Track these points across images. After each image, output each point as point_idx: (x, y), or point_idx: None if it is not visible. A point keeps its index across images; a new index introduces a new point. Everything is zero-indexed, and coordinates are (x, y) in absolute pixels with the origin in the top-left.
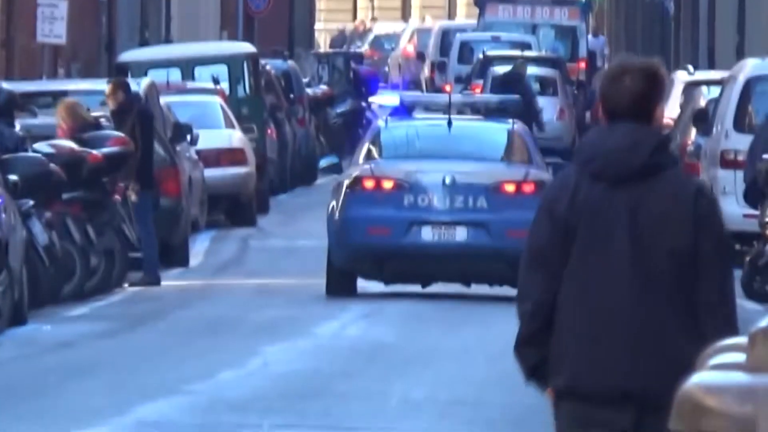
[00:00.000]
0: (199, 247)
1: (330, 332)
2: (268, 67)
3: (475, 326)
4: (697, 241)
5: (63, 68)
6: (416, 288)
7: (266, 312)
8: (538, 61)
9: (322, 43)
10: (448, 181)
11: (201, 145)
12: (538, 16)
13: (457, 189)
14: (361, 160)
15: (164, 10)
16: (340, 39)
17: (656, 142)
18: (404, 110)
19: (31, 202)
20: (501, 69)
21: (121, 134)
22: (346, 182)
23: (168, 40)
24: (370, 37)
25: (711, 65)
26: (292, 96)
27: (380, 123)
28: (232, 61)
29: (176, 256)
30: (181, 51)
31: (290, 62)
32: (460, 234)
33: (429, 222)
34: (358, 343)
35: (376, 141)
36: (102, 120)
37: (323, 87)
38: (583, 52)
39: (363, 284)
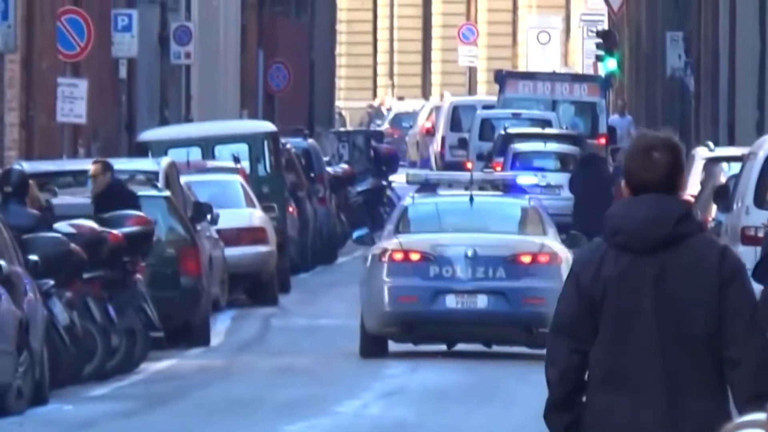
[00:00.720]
0: (220, 327)
1: (352, 411)
2: (288, 146)
3: (497, 405)
4: (723, 301)
5: (83, 147)
6: (443, 347)
7: (287, 391)
8: (558, 138)
9: (348, 119)
10: (470, 253)
11: (221, 224)
12: (557, 93)
13: (478, 260)
14: (390, 234)
15: (184, 89)
16: (373, 115)
17: (681, 212)
18: (429, 187)
19: (52, 282)
20: (522, 146)
21: (141, 214)
22: (377, 254)
23: (188, 119)
24: (390, 115)
25: (731, 141)
26: (312, 174)
27: (408, 200)
28: (252, 140)
29: (197, 336)
30: (202, 130)
31: (310, 140)
32: (481, 301)
33: (453, 291)
34: (379, 423)
35: (404, 216)
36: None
37: (344, 165)
38: (603, 127)
39: (394, 346)
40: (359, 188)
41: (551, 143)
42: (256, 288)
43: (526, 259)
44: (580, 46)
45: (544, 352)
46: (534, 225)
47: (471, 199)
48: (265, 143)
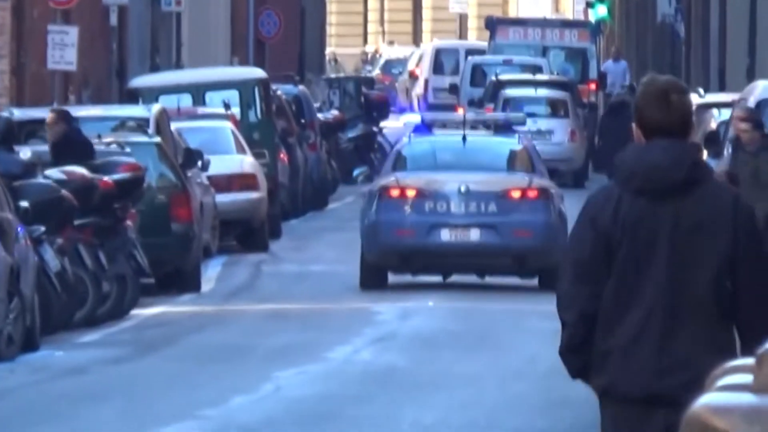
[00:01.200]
0: (210, 273)
1: (342, 357)
2: (279, 92)
3: (488, 351)
4: (737, 246)
5: (74, 95)
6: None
7: (278, 337)
8: (548, 84)
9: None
10: (463, 189)
11: (212, 170)
12: (548, 39)
13: (471, 196)
14: (388, 171)
15: (175, 35)
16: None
17: (695, 158)
18: (425, 128)
19: (43, 229)
20: (513, 92)
21: (132, 160)
22: (376, 191)
23: (179, 66)
24: (381, 61)
25: (722, 88)
26: (303, 121)
27: (404, 139)
28: (243, 87)
29: (188, 282)
30: (192, 76)
31: (301, 87)
32: (474, 234)
33: (447, 225)
34: (370, 368)
35: (400, 155)
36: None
37: (334, 112)
38: (593, 73)
39: (393, 278)
40: (350, 134)
41: (542, 89)
42: (246, 234)
43: (516, 194)
44: None
45: (533, 281)
46: (523, 162)
47: (464, 138)
48: (256, 90)
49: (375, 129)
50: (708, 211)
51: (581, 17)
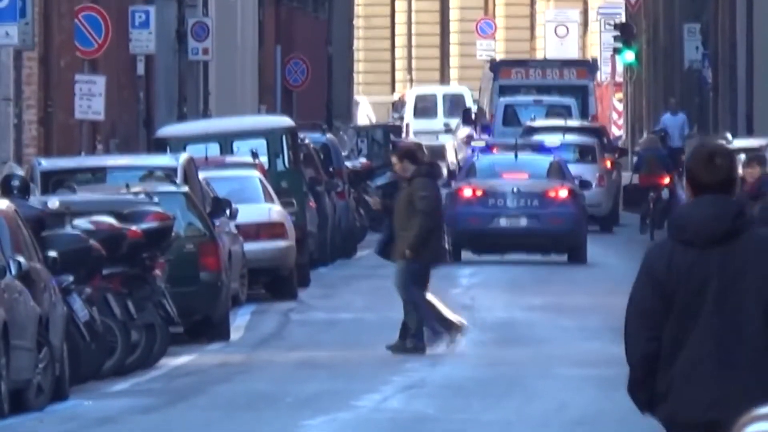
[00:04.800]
0: (239, 321)
1: (371, 405)
2: (306, 141)
3: (517, 399)
4: None
5: (101, 144)
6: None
7: (307, 385)
8: (578, 130)
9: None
10: (515, 190)
11: (240, 219)
12: (548, 77)
13: (521, 195)
14: (462, 178)
15: (202, 84)
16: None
17: (738, 210)
18: (489, 149)
19: (71, 278)
20: (543, 138)
21: (159, 209)
22: (455, 191)
23: (206, 115)
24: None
25: (749, 132)
26: (331, 169)
27: (475, 157)
28: (270, 135)
29: (217, 331)
30: (220, 125)
31: (329, 135)
32: (523, 222)
33: (505, 214)
34: (399, 416)
35: (472, 166)
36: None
37: (362, 160)
38: (592, 108)
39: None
40: (378, 182)
41: (570, 135)
42: (275, 282)
43: (552, 194)
44: (598, 39)
45: (563, 257)
46: (557, 172)
47: (516, 155)
48: (284, 138)
49: None
50: (751, 256)
51: (608, 63)
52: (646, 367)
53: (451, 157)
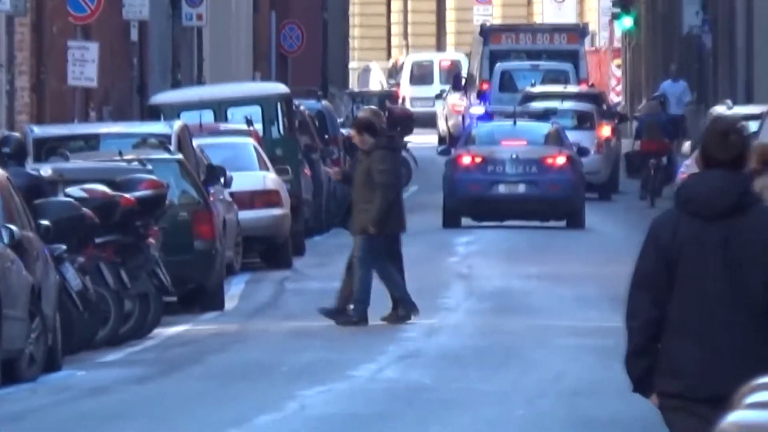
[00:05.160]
0: (234, 290)
1: (367, 375)
2: (301, 108)
3: (514, 369)
4: None
5: (94, 111)
6: (497, 225)
7: (303, 355)
8: (576, 96)
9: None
10: (514, 157)
11: (235, 187)
12: (538, 43)
13: (519, 162)
14: (461, 145)
15: (196, 51)
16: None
17: (745, 186)
18: (488, 116)
19: (64, 247)
20: (540, 105)
21: (153, 177)
22: (454, 158)
23: (200, 82)
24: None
25: (749, 99)
26: (326, 136)
27: (474, 124)
28: (265, 102)
29: (211, 300)
30: (214, 92)
31: (324, 102)
32: (521, 188)
33: (503, 181)
34: (395, 386)
35: (471, 134)
36: None
37: None
38: (583, 73)
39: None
40: None
41: (568, 101)
42: (270, 251)
43: (550, 160)
44: (596, 5)
45: (561, 223)
46: (555, 139)
47: (514, 123)
48: (278, 105)
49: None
50: (755, 230)
51: (607, 29)
52: (648, 333)
53: (441, 124)
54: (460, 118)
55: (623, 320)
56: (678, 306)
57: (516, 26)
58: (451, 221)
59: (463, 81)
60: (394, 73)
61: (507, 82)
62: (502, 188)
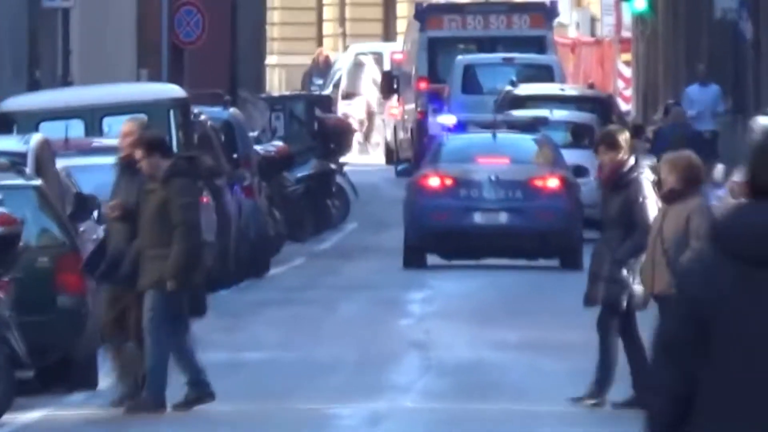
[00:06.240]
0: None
1: None
2: (202, 117)
3: (505, 401)
4: None
5: None
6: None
7: None
8: (574, 100)
9: (277, 82)
10: (494, 178)
11: None
12: (492, 27)
13: (501, 184)
14: (427, 163)
15: (61, 42)
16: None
17: None
18: (460, 127)
19: None
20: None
21: (2, 210)
22: (417, 179)
23: (67, 82)
24: (337, 74)
25: None
26: (235, 156)
27: (443, 137)
28: (153, 110)
29: (80, 375)
30: (85, 96)
31: (233, 110)
32: (503, 217)
33: (480, 209)
34: None
35: (439, 149)
36: None
37: (278, 143)
38: (557, 71)
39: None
40: (299, 174)
41: (560, 110)
42: None
43: (539, 183)
44: None
45: (553, 262)
46: (546, 156)
47: (494, 135)
48: (172, 114)
49: (333, 166)
50: None
51: (612, 11)
52: (673, 415)
53: (388, 136)
54: (406, 128)
55: (640, 399)
56: (716, 380)
57: (461, 6)
58: (413, 259)
59: (395, 80)
60: (315, 71)
61: (471, 81)
62: (478, 217)
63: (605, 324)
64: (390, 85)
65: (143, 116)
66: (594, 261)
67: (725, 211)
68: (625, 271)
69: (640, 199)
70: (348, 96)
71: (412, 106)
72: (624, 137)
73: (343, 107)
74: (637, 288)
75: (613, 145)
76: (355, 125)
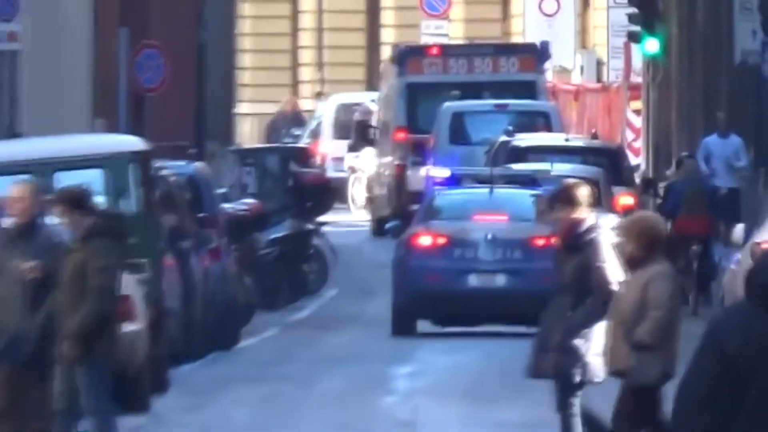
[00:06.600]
0: None
1: None
2: (165, 172)
3: None
4: None
5: None
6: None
7: None
8: (581, 152)
9: (248, 133)
10: (490, 237)
11: None
12: (477, 71)
13: (498, 243)
14: (419, 221)
15: (7, 87)
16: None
17: None
18: (454, 181)
19: None
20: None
21: None
22: (407, 238)
23: (13, 134)
24: (313, 123)
25: None
26: (201, 215)
27: (435, 192)
28: (111, 164)
29: None
30: (34, 149)
31: (199, 164)
32: (501, 280)
33: (476, 270)
34: None
35: (431, 205)
36: None
37: (249, 201)
38: (555, 119)
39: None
40: (272, 235)
41: (558, 163)
42: (117, 387)
43: (540, 241)
44: (605, 19)
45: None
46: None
47: (491, 190)
48: (131, 169)
49: (310, 227)
50: None
51: (621, 55)
52: None
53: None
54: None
55: None
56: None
57: (444, 47)
58: (402, 326)
59: (372, 131)
60: (282, 122)
61: (459, 130)
62: (474, 280)
63: (563, 401)
64: (365, 134)
65: (30, 178)
66: (543, 329)
67: (759, 262)
68: (578, 341)
69: (597, 264)
70: (354, 148)
71: (389, 158)
72: (583, 193)
73: (350, 160)
74: (593, 359)
75: (570, 201)
76: (363, 181)
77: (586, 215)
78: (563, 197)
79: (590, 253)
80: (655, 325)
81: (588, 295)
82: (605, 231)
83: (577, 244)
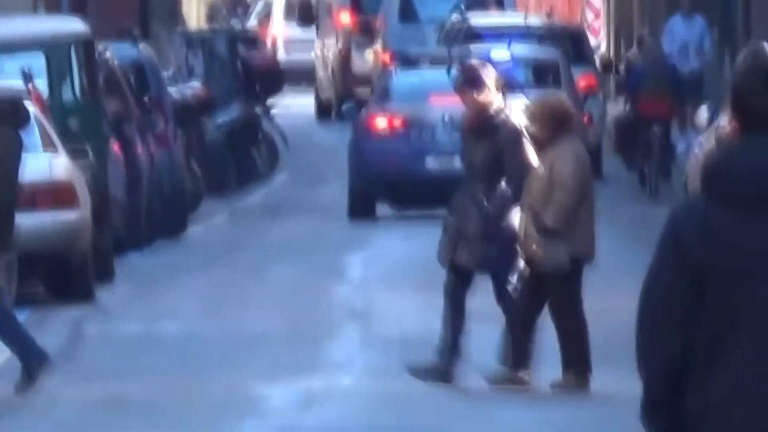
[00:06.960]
0: None
1: None
2: (108, 55)
3: None
4: None
5: None
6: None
7: None
8: (538, 34)
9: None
10: (447, 118)
11: None
12: None
13: (456, 125)
14: (375, 103)
15: None
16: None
17: None
18: (410, 62)
19: None
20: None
21: None
22: (364, 120)
23: None
24: (259, 5)
25: None
26: (146, 99)
27: (392, 73)
28: (52, 47)
29: None
30: None
31: (143, 47)
32: (458, 162)
33: (434, 152)
34: None
35: (387, 86)
36: None
37: (197, 85)
38: (508, 1)
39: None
40: (221, 119)
41: (517, 45)
42: (60, 276)
43: None
44: None
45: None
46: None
47: (449, 71)
48: (73, 52)
49: (259, 111)
50: None
51: None
52: (670, 379)
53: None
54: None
55: (635, 361)
56: (716, 337)
57: None
58: (360, 208)
59: (314, 9)
60: (230, 5)
61: (407, 9)
62: (432, 162)
63: (500, 293)
64: (309, 14)
65: None
66: (456, 217)
67: (716, 154)
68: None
69: (510, 145)
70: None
71: (332, 39)
72: (489, 73)
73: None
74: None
75: (476, 82)
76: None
77: (494, 98)
78: (468, 78)
79: (501, 137)
80: (558, 208)
81: (499, 181)
82: (515, 113)
83: (487, 127)
